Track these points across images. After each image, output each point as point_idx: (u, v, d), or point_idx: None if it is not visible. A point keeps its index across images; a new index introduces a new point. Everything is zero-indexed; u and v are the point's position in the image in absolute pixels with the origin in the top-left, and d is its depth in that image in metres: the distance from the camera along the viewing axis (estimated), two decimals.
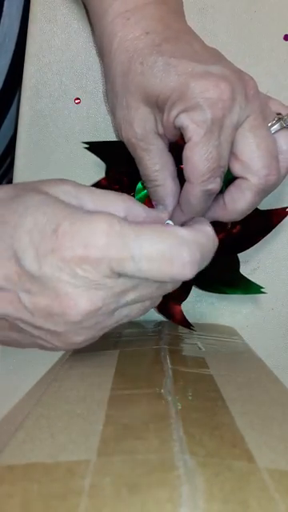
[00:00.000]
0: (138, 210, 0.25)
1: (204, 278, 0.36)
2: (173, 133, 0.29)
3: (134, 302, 0.24)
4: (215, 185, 0.28)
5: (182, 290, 0.36)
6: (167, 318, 0.37)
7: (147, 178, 0.31)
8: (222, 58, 0.28)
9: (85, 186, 0.25)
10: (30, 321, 0.23)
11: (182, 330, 0.36)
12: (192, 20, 0.31)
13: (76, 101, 0.38)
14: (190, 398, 0.23)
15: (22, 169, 0.38)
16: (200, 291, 0.38)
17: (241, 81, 0.27)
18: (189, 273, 0.22)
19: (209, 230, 0.24)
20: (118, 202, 0.25)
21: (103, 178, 0.36)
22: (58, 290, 0.22)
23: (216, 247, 0.24)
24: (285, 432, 0.20)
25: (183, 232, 0.22)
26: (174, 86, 0.27)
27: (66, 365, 0.29)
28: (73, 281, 0.22)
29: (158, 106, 0.28)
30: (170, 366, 0.27)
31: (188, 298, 0.37)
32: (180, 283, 0.25)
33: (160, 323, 0.38)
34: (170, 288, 0.25)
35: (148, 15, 0.29)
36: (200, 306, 0.39)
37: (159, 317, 0.39)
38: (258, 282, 0.39)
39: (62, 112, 0.38)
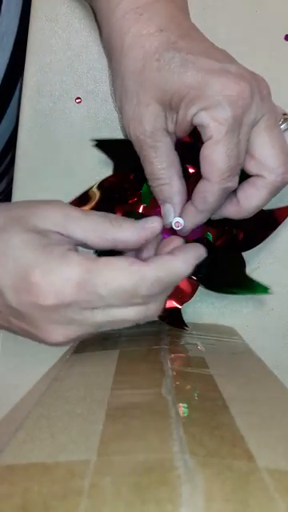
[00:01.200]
0: (126, 234, 0.27)
1: (211, 279, 0.36)
2: (185, 130, 0.29)
3: (109, 327, 0.27)
4: (233, 183, 0.28)
5: (188, 292, 0.36)
6: (160, 319, 0.36)
7: (153, 177, 0.30)
8: (233, 58, 0.29)
9: (75, 210, 0.27)
10: (21, 333, 0.28)
11: (181, 330, 0.36)
12: (193, 19, 0.31)
13: (77, 100, 0.38)
14: (189, 397, 0.23)
15: (23, 168, 0.38)
16: (200, 291, 0.38)
17: (256, 80, 0.27)
18: (148, 304, 0.26)
19: (176, 266, 0.26)
20: (107, 229, 0.27)
21: (111, 176, 0.36)
22: (36, 323, 0.26)
23: (184, 276, 0.27)
24: (285, 432, 0.20)
25: (146, 270, 0.25)
26: (193, 82, 0.26)
27: (66, 364, 0.29)
28: (46, 318, 0.25)
29: (171, 103, 0.28)
30: (170, 366, 0.27)
31: None
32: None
33: (160, 323, 0.38)
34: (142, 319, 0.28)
35: (159, 12, 0.29)
36: (200, 306, 0.39)
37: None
38: None
39: (62, 111, 0.38)
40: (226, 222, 0.34)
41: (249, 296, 0.39)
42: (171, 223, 0.31)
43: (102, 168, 0.38)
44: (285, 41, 0.38)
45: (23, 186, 0.38)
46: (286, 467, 0.17)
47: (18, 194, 0.38)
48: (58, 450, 0.18)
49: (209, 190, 0.28)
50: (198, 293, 0.38)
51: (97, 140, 0.34)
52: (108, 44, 0.31)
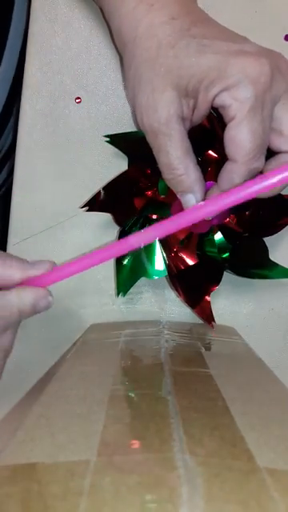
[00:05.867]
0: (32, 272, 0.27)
1: (237, 263, 0.36)
2: (202, 115, 0.29)
3: None
4: (260, 163, 0.28)
5: (213, 279, 0.36)
6: (197, 312, 0.37)
7: (169, 168, 0.30)
8: (248, 39, 0.29)
9: None
10: None
11: (182, 329, 0.36)
12: None
13: (77, 100, 0.38)
14: (189, 398, 0.23)
15: (23, 168, 0.38)
16: None
17: (274, 57, 0.27)
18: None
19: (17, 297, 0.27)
20: (15, 270, 0.27)
21: (127, 170, 0.36)
22: None
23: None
24: (285, 432, 0.20)
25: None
26: (212, 64, 0.26)
27: (66, 364, 0.29)
28: None
29: (188, 88, 0.28)
30: (170, 366, 0.27)
31: None
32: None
33: (160, 323, 0.38)
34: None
35: (169, 1, 0.29)
36: None
37: (159, 317, 0.39)
38: (257, 283, 0.39)
39: (62, 111, 0.38)
40: (248, 207, 0.34)
41: (248, 296, 0.39)
42: None
43: (101, 168, 0.38)
44: (285, 41, 0.38)
45: (23, 186, 0.38)
46: (285, 467, 0.17)
47: (17, 194, 0.38)
48: (57, 450, 0.18)
49: (235, 172, 0.28)
50: None
51: (109, 136, 0.34)
52: (119, 37, 0.31)
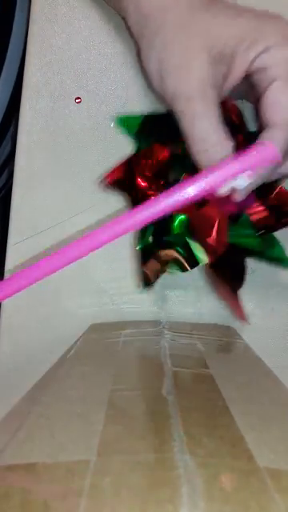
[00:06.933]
0: None
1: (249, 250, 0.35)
2: (236, 80, 0.28)
3: None
4: None
5: (238, 276, 0.35)
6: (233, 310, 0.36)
7: (201, 138, 0.28)
8: None
9: None
10: None
11: (182, 330, 0.36)
12: None
13: (76, 100, 0.38)
14: (189, 398, 0.23)
15: (23, 168, 0.38)
16: (202, 290, 0.38)
17: None
18: None
19: None
20: None
21: (132, 155, 0.34)
22: None
23: None
24: (285, 432, 0.20)
25: None
26: (251, 25, 0.27)
27: (66, 364, 0.29)
28: None
29: (224, 51, 0.27)
30: (170, 366, 0.27)
31: (188, 298, 0.37)
32: None
33: (160, 323, 0.38)
34: None
35: None
36: (200, 306, 0.39)
37: (159, 317, 0.39)
38: (257, 283, 0.39)
39: (62, 111, 0.38)
40: (264, 198, 0.34)
41: (248, 296, 0.39)
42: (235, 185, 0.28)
43: (101, 168, 0.38)
44: None
45: (23, 185, 0.38)
46: (285, 467, 0.17)
47: (17, 194, 0.38)
48: (58, 450, 0.18)
49: (275, 138, 0.27)
50: (197, 293, 0.38)
51: (120, 118, 0.34)
52: (137, 9, 0.29)
